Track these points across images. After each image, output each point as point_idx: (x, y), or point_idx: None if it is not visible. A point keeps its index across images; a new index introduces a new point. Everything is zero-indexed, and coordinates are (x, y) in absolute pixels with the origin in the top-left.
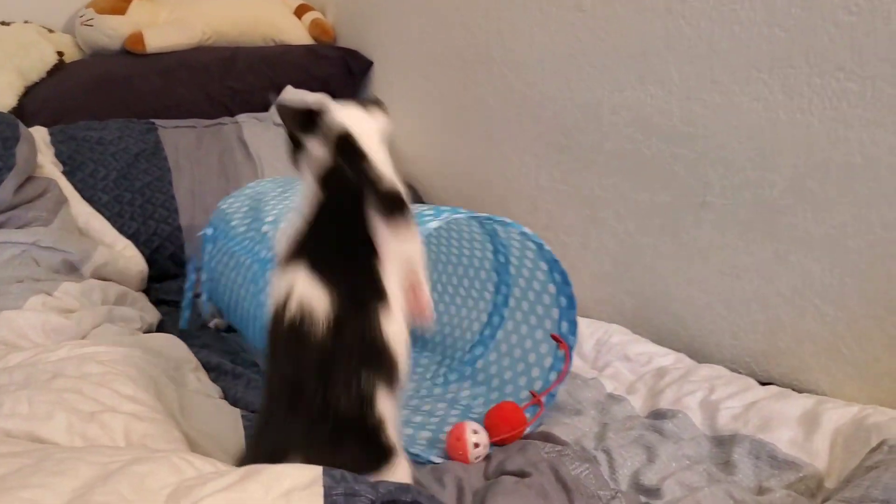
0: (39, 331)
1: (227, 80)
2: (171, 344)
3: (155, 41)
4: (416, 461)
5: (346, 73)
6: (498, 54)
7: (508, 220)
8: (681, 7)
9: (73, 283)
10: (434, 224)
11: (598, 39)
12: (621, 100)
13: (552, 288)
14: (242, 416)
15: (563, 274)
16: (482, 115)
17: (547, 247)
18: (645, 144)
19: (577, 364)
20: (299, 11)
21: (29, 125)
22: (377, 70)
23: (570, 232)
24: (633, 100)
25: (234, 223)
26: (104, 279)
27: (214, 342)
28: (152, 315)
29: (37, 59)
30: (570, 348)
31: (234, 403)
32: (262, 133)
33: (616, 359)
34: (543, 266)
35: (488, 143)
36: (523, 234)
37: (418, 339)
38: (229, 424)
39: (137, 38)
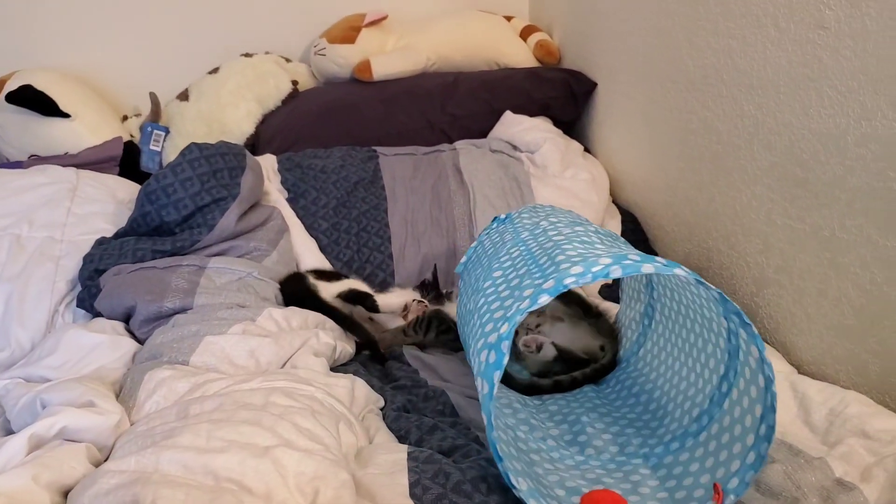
0: (244, 353)
1: (448, 106)
2: (358, 385)
3: (381, 69)
4: None
5: (569, 95)
6: (728, 75)
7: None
8: None
9: (277, 309)
10: (648, 269)
11: (843, 60)
12: (870, 130)
13: (758, 410)
14: (409, 454)
15: (773, 408)
16: (709, 141)
17: (768, 360)
18: None
19: (803, 436)
20: (525, 33)
21: (263, 152)
22: (601, 92)
23: (807, 276)
24: (885, 130)
25: (524, 214)
26: None
27: (408, 383)
28: (350, 345)
29: (273, 87)
30: None
31: (412, 444)
32: (478, 160)
33: (851, 434)
34: (761, 383)
35: (716, 171)
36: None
37: (642, 398)
38: (388, 473)
39: (365, 66)
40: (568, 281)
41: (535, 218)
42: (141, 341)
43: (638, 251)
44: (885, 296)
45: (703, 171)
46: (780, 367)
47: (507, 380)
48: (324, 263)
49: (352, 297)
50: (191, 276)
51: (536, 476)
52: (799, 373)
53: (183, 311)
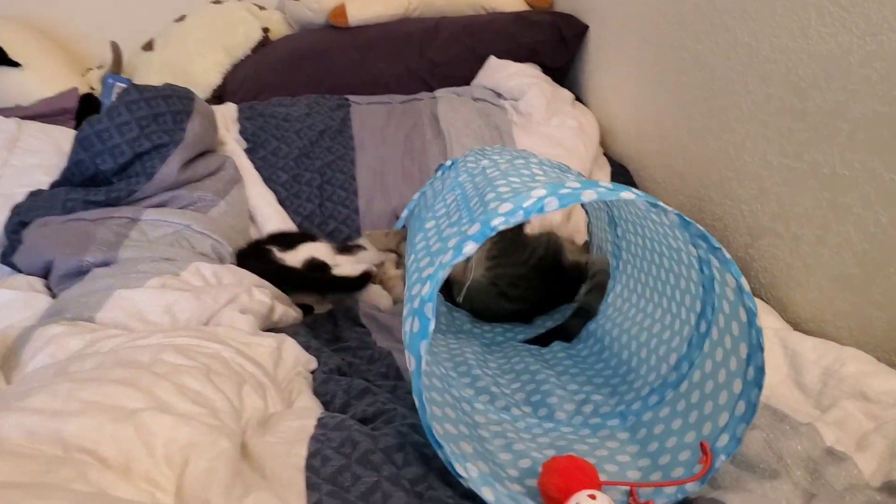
0: (158, 309)
1: (428, 52)
2: (286, 346)
3: (358, 14)
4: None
5: (558, 39)
6: (721, 2)
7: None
8: None
9: (208, 264)
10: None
11: None
12: (875, 47)
13: (743, 349)
14: (319, 420)
15: (759, 346)
16: (702, 79)
17: (747, 289)
18: None
19: (794, 399)
20: None
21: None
22: (592, 35)
23: (804, 222)
24: (892, 45)
25: (469, 158)
26: None
27: (354, 344)
28: (294, 307)
29: (242, 36)
30: (712, 468)
31: (336, 410)
32: (458, 108)
33: (847, 396)
34: (742, 314)
35: (709, 112)
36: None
37: (616, 349)
38: (287, 442)
39: (340, 11)
40: (496, 222)
41: (478, 159)
42: None
43: (584, 179)
44: (891, 239)
45: (696, 114)
46: (773, 323)
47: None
48: (283, 218)
49: (309, 268)
50: (120, 228)
51: (490, 454)
52: (795, 331)
53: (106, 265)
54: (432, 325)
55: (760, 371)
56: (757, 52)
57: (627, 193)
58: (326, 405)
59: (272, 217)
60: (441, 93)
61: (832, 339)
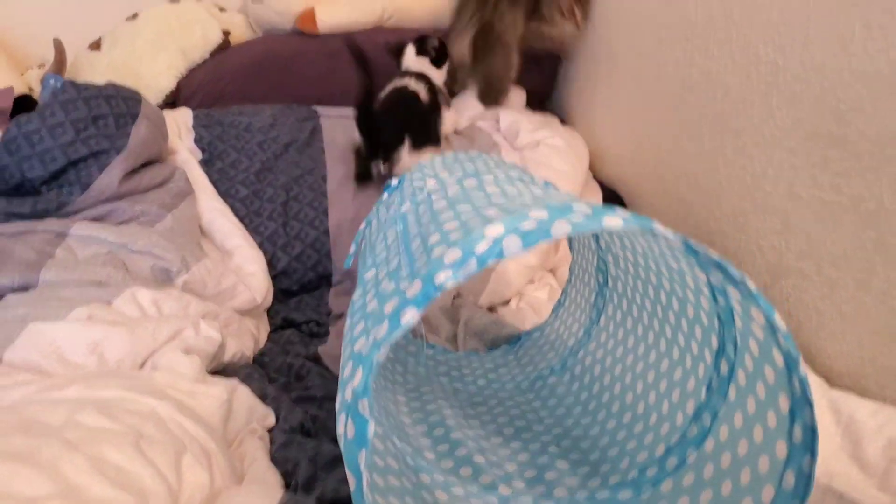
0: (82, 348)
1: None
2: (238, 395)
3: (328, 19)
4: None
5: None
6: (739, 12)
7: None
8: None
9: (147, 290)
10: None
11: None
12: None
13: (784, 402)
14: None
15: (805, 399)
16: (712, 98)
17: (781, 325)
18: None
19: (852, 477)
20: None
21: None
22: (579, 57)
23: (842, 264)
24: None
25: (416, 174)
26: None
27: (319, 393)
28: (247, 343)
29: (199, 37)
30: None
31: (300, 486)
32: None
33: None
34: (778, 358)
35: (721, 134)
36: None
37: (604, 399)
38: None
39: (309, 15)
40: (441, 278)
41: (425, 176)
42: None
43: (564, 201)
44: None
45: (705, 136)
46: (810, 377)
47: None
48: (244, 233)
49: None
50: (44, 245)
51: None
52: (829, 386)
53: (25, 289)
54: (372, 428)
55: (811, 432)
56: (784, 70)
57: (612, 220)
58: (287, 478)
59: (232, 231)
60: None
61: (889, 401)
